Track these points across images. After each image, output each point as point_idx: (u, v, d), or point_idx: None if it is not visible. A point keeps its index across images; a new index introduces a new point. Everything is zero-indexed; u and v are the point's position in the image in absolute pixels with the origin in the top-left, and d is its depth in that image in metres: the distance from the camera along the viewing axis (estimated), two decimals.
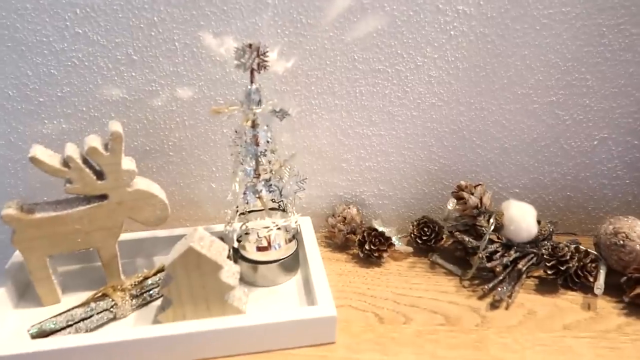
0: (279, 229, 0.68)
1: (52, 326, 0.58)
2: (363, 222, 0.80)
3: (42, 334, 0.58)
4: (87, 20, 0.69)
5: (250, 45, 0.59)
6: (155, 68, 0.72)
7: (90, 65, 0.71)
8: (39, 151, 0.59)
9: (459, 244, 0.74)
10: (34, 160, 0.58)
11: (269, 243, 0.69)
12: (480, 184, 0.72)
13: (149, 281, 0.66)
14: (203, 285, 0.59)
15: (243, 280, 0.69)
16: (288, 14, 0.69)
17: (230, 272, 0.62)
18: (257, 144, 0.64)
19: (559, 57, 0.72)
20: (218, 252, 0.59)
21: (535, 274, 0.72)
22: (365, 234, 0.75)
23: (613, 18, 0.69)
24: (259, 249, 0.69)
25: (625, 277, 0.66)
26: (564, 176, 0.80)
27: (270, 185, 0.66)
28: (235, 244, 0.69)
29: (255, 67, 0.61)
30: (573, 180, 0.81)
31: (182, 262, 0.58)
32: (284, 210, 0.71)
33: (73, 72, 0.72)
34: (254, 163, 0.65)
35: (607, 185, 0.81)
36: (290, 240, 0.70)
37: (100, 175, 0.62)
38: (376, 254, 0.74)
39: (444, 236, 0.78)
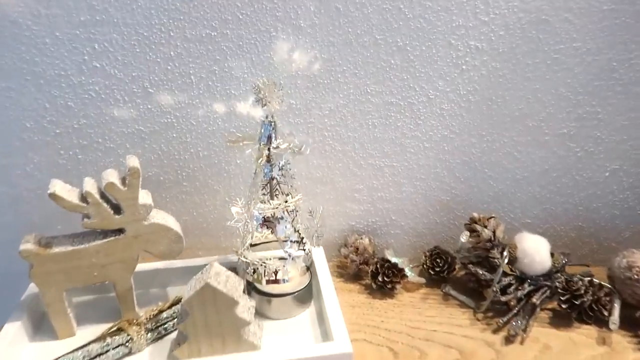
0: (292, 259, 0.69)
1: None
2: (375, 252, 0.80)
3: None
4: (105, 54, 0.70)
5: (266, 83, 0.61)
6: (170, 101, 0.73)
7: (107, 98, 0.72)
8: (59, 187, 0.60)
9: (472, 276, 0.74)
10: (53, 197, 0.59)
11: (281, 276, 0.69)
12: (493, 217, 0.73)
13: (164, 314, 0.66)
14: (219, 320, 0.59)
15: (256, 312, 0.69)
16: (303, 49, 0.70)
17: (245, 307, 0.62)
18: (272, 178, 0.65)
19: (570, 91, 0.73)
20: (234, 287, 0.60)
21: (549, 307, 0.72)
22: (378, 266, 0.75)
23: (624, 53, 0.70)
24: (272, 281, 0.69)
25: None
26: (575, 207, 0.81)
27: (282, 217, 0.67)
28: (250, 277, 0.70)
29: (270, 102, 0.62)
30: (585, 211, 0.81)
31: (198, 298, 0.58)
32: (298, 242, 0.71)
33: (90, 104, 0.73)
34: (268, 195, 0.66)
35: (619, 216, 0.81)
36: (304, 272, 0.71)
37: (117, 209, 0.63)
38: (389, 286, 0.74)
39: (457, 267, 0.78)
